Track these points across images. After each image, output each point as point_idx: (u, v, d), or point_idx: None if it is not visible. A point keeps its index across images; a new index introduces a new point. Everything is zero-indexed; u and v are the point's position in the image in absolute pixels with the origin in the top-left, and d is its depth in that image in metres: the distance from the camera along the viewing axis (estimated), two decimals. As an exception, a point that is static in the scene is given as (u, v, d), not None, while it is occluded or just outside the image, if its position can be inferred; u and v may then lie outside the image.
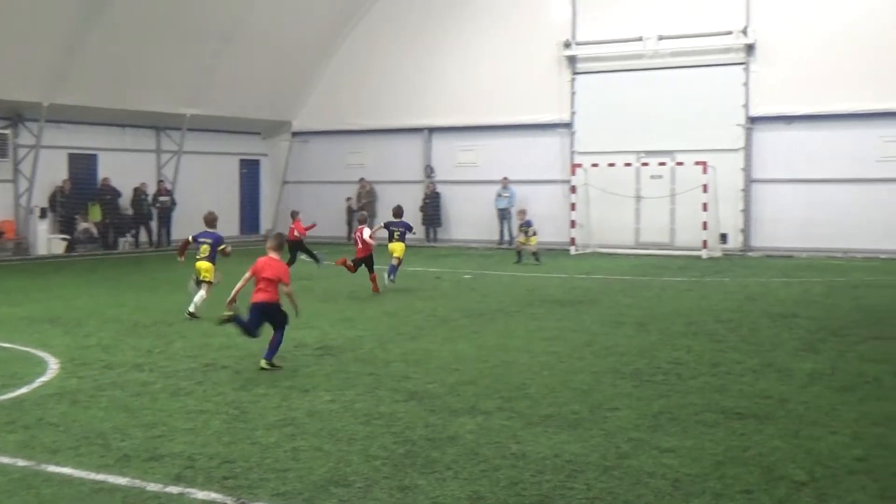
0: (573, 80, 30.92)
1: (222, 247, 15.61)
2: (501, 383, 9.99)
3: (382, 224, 19.96)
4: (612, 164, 28.85)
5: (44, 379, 10.33)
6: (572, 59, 30.79)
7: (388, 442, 7.75)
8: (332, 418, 8.54)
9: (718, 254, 27.48)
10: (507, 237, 31.08)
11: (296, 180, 36.22)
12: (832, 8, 27.39)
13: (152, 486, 6.69)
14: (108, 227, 30.41)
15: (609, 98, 30.23)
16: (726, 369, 10.74)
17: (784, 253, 27.54)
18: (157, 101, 30.23)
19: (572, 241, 29.14)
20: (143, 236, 31.53)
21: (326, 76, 34.98)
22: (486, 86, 31.88)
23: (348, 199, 34.22)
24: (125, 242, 30.97)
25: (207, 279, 15.29)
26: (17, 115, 27.74)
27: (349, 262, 18.35)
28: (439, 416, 8.58)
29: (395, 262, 19.03)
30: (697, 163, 27.44)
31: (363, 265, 18.26)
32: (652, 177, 29.47)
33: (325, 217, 31.18)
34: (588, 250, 29.19)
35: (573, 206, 29.32)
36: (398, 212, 20.10)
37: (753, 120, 28.49)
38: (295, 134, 36.20)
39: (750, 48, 28.31)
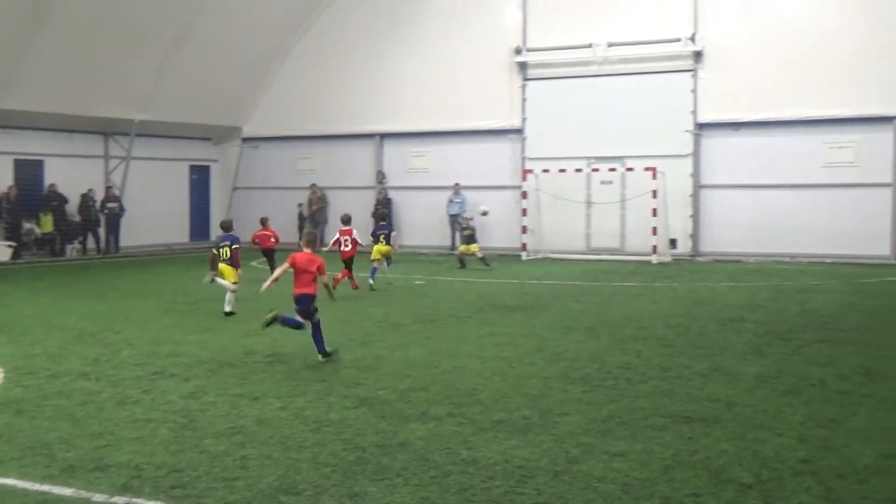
0: (524, 86, 31.06)
1: (235, 246, 16.74)
2: (452, 389, 9.99)
3: (370, 234, 21.29)
4: (562, 170, 29.00)
5: (-13, 388, 10.17)
6: (523, 66, 30.93)
7: (338, 449, 7.72)
8: (281, 426, 8.49)
9: (668, 259, 27.73)
10: (458, 243, 31.07)
11: (246, 186, 35.99)
12: (778, 17, 27.79)
13: (98, 497, 6.60)
14: (56, 233, 30.00)
15: (560, 104, 30.42)
16: (675, 373, 10.83)
17: (732, 258, 27.89)
18: (106, 107, 29.89)
19: (524, 247, 29.27)
20: (90, 243, 31.13)
21: (277, 81, 34.82)
22: (438, 92, 31.93)
23: (300, 204, 34.08)
24: (72, 249, 30.56)
25: (233, 281, 16.46)
26: (-40, 121, 27.36)
27: (338, 277, 18.99)
28: (390, 423, 8.56)
29: (376, 264, 20.33)
30: (647, 168, 27.68)
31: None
32: (602, 182, 29.69)
33: (275, 223, 30.78)
34: (539, 256, 29.33)
35: (524, 212, 29.44)
36: (383, 216, 22.38)
37: (702, 126, 28.80)
38: (245, 139, 35.97)
39: (698, 55, 28.62)
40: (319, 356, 11.60)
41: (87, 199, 30.51)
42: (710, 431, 8.22)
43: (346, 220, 20.25)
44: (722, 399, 9.47)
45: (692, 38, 28.54)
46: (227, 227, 17.99)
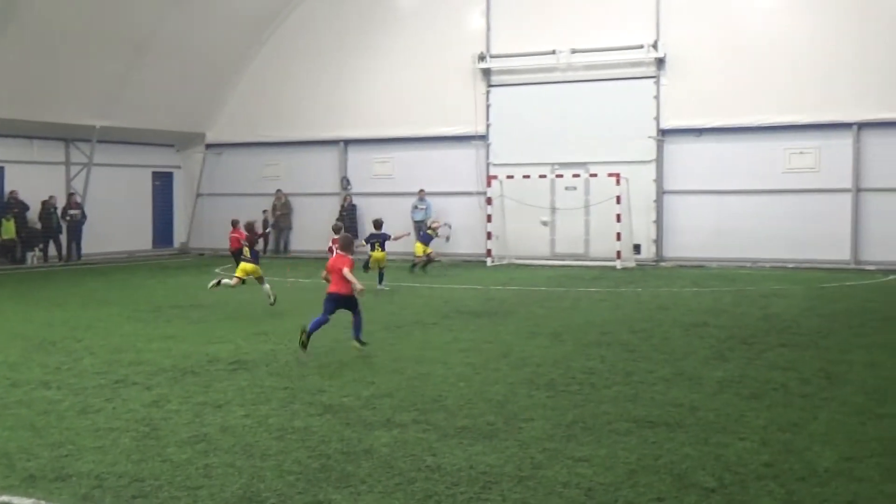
0: (488, 92, 31.13)
1: (255, 248, 18.22)
2: (417, 395, 9.98)
3: (364, 240, 22.07)
4: (527, 176, 29.10)
5: (-54, 398, 10.02)
6: (487, 72, 31.01)
7: (303, 456, 7.68)
8: (245, 434, 8.44)
9: (632, 264, 27.88)
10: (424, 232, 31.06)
11: (210, 192, 35.78)
12: (739, 24, 28.05)
13: (59, 507, 6.54)
14: (17, 241, 29.65)
15: (524, 110, 30.52)
16: (639, 378, 10.88)
17: (695, 263, 28.09)
18: (67, 113, 29.55)
19: (488, 253, 29.32)
20: (52, 250, 30.80)
21: (240, 87, 34.65)
22: (402, 98, 31.93)
23: (264, 211, 33.95)
24: (33, 257, 30.20)
25: (258, 275, 17.70)
26: (-81, 127, 26.98)
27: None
28: (354, 430, 8.54)
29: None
30: (611, 174, 27.82)
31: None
32: (566, 188, 29.81)
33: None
34: (504, 261, 29.38)
35: (489, 218, 29.49)
36: (378, 224, 22.37)
37: (664, 132, 29.02)
38: (209, 146, 35.74)
39: (660, 62, 28.83)
40: (355, 342, 12.67)
41: (47, 207, 30.19)
42: (674, 436, 8.27)
43: (337, 229, 20.11)
44: (685, 404, 9.53)
45: (654, 45, 28.74)
46: (250, 228, 19.08)
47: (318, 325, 12.58)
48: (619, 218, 27.52)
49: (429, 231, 26.28)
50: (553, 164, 29.84)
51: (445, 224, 28.34)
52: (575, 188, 29.69)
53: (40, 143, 30.99)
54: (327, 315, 12.71)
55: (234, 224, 24.95)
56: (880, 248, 26.61)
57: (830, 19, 27.08)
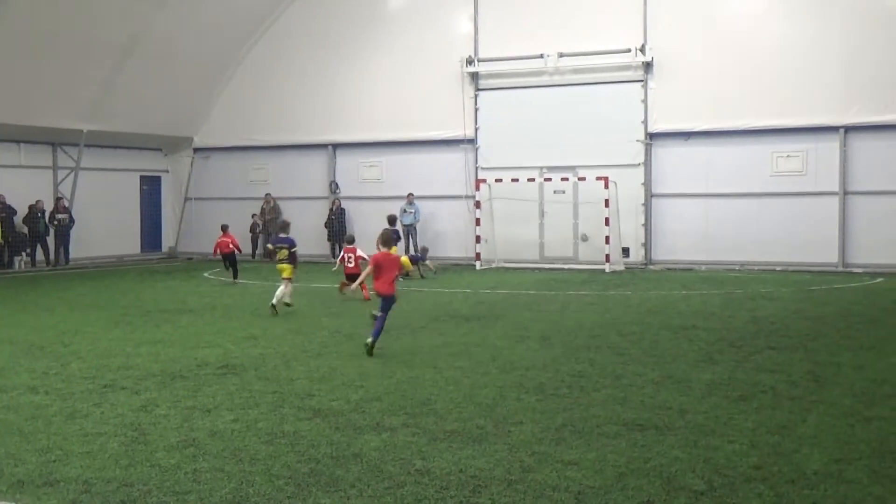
0: (476, 96, 31.17)
1: (294, 249, 18.37)
2: (406, 399, 9.96)
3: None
4: (515, 180, 29.11)
5: (-68, 404, 9.97)
6: (475, 76, 31.04)
7: (292, 461, 7.66)
8: (234, 438, 8.41)
9: (621, 267, 27.92)
10: (412, 253, 31.06)
11: (198, 197, 35.72)
12: (727, 28, 28.15)
13: (47, 513, 6.50)
14: (3, 245, 29.53)
15: (512, 114, 30.56)
16: (628, 381, 10.89)
17: (684, 266, 28.17)
18: (54, 117, 29.47)
19: (477, 257, 29.32)
20: (39, 255, 30.68)
21: (228, 91, 34.61)
22: (390, 101, 31.95)
23: (253, 215, 33.92)
24: (21, 262, 30.09)
25: (288, 277, 18.01)
26: None
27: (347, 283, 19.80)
28: (344, 434, 8.52)
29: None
30: (599, 178, 27.86)
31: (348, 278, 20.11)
32: (555, 192, 29.85)
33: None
34: (493, 265, 29.41)
35: (478, 222, 29.51)
36: (391, 220, 24.37)
37: (652, 136, 29.10)
38: (197, 150, 35.69)
39: (648, 66, 28.90)
40: (371, 340, 12.74)
41: (34, 211, 30.07)
42: (663, 439, 8.28)
43: (350, 240, 21.33)
44: (674, 406, 9.54)
45: (642, 49, 28.82)
46: (283, 227, 19.36)
47: (382, 319, 12.93)
48: (607, 221, 27.56)
49: (426, 263, 26.29)
50: (542, 168, 29.89)
51: (423, 247, 28.46)
52: (563, 192, 29.74)
53: (27, 147, 30.90)
54: (387, 312, 13.03)
55: (224, 229, 24.96)
56: (867, 251, 26.72)
57: (817, 23, 27.20)
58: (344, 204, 32.96)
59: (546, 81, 30.29)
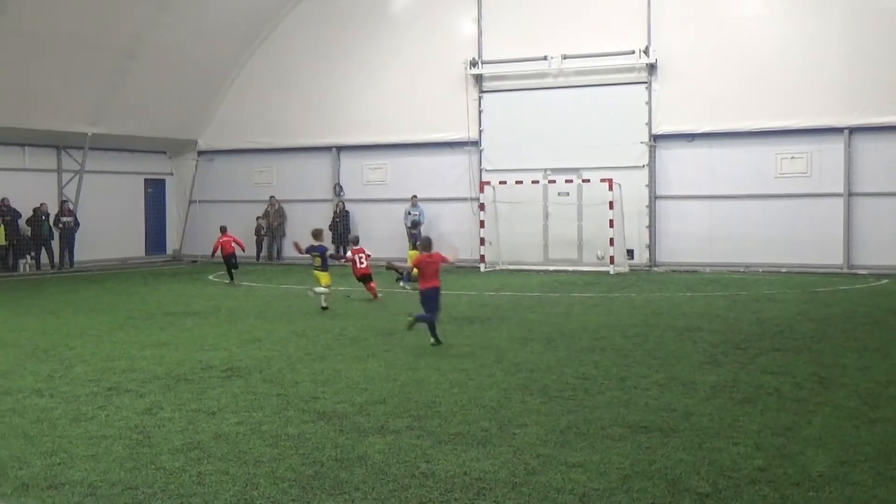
0: (480, 98, 31.15)
1: (329, 253, 19.26)
2: (411, 402, 9.96)
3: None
4: (519, 182, 29.10)
5: (-62, 407, 9.98)
6: (479, 78, 31.02)
7: (297, 463, 7.67)
8: (239, 441, 8.42)
9: (625, 269, 27.89)
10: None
11: (203, 199, 35.73)
12: (730, 29, 28.09)
13: (52, 516, 6.51)
14: (8, 248, 29.57)
15: (516, 116, 30.55)
16: (633, 383, 10.88)
17: (688, 268, 28.13)
18: (58, 120, 29.51)
19: (482, 259, 29.30)
20: (44, 258, 30.71)
21: (232, 94, 34.61)
22: (394, 104, 31.94)
23: (258, 217, 33.94)
24: (25, 264, 30.12)
25: (326, 284, 18.83)
26: (-90, 135, 26.88)
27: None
28: (348, 437, 8.52)
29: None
30: (603, 180, 27.83)
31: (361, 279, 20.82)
32: (559, 194, 29.80)
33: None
34: (497, 267, 29.38)
35: (482, 224, 29.49)
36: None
37: (656, 138, 29.05)
38: (201, 153, 35.70)
39: (652, 68, 28.87)
40: (411, 317, 14.00)
41: (38, 214, 30.10)
42: (668, 441, 8.27)
43: (356, 240, 21.79)
44: (679, 408, 9.53)
45: (646, 51, 28.78)
46: (317, 235, 19.72)
47: (425, 319, 13.80)
48: (611, 223, 27.53)
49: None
50: (546, 170, 29.86)
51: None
52: (567, 194, 29.68)
53: (32, 151, 30.93)
54: (432, 313, 13.82)
55: (223, 230, 24.97)
56: (872, 252, 26.68)
57: (821, 25, 27.15)
58: (348, 206, 32.96)
59: (550, 83, 30.26)
